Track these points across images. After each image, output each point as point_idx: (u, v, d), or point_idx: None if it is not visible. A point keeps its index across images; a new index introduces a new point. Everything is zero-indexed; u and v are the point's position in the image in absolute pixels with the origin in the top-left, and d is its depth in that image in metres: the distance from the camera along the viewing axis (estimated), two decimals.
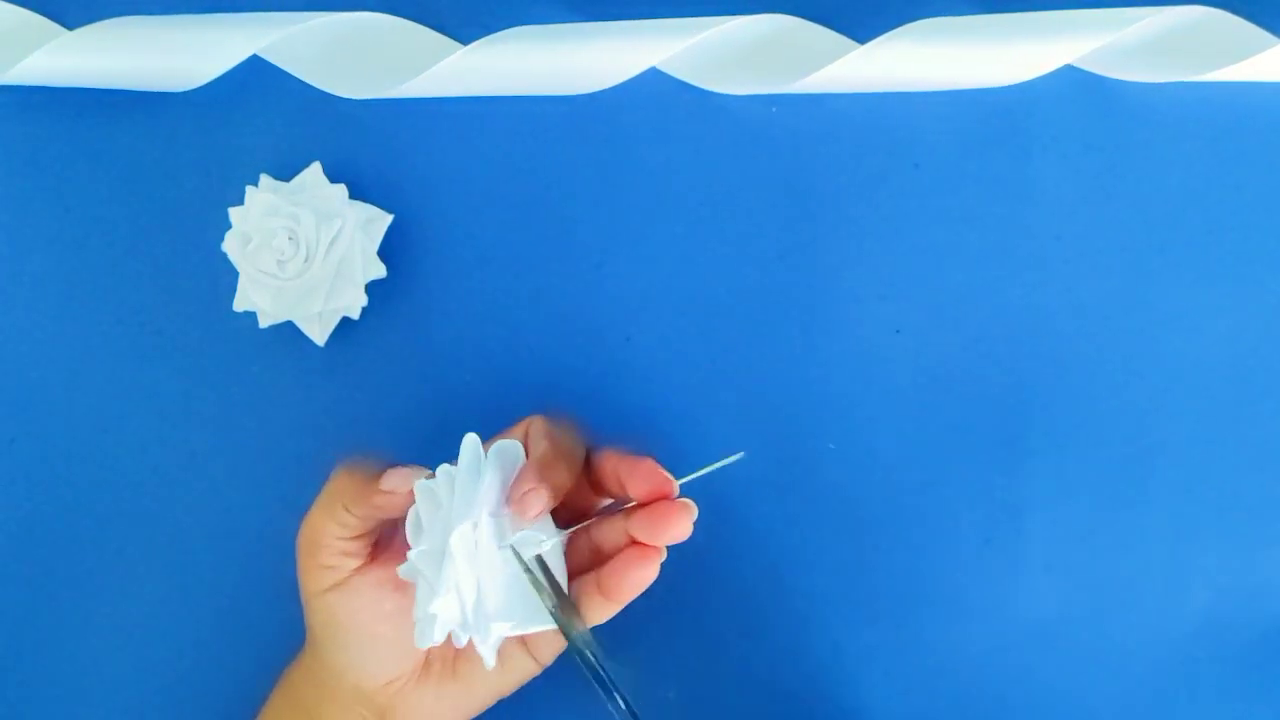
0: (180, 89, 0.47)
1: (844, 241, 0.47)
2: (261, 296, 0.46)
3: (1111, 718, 0.47)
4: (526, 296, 0.47)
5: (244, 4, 0.47)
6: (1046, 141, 0.47)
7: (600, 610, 0.40)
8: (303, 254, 0.45)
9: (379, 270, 0.46)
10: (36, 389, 0.48)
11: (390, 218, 0.47)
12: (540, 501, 0.38)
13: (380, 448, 0.47)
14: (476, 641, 0.38)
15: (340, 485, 0.40)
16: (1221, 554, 0.46)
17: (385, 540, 0.41)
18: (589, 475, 0.40)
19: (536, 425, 0.41)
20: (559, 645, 0.41)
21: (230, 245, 0.46)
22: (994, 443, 0.47)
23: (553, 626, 0.38)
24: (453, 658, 0.41)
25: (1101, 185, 0.47)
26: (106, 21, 0.46)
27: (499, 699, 0.42)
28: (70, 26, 0.47)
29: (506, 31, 0.46)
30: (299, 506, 0.47)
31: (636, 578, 0.39)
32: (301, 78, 0.47)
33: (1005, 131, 0.47)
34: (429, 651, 0.41)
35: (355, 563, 0.40)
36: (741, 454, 0.40)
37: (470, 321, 0.47)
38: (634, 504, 0.39)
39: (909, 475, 0.47)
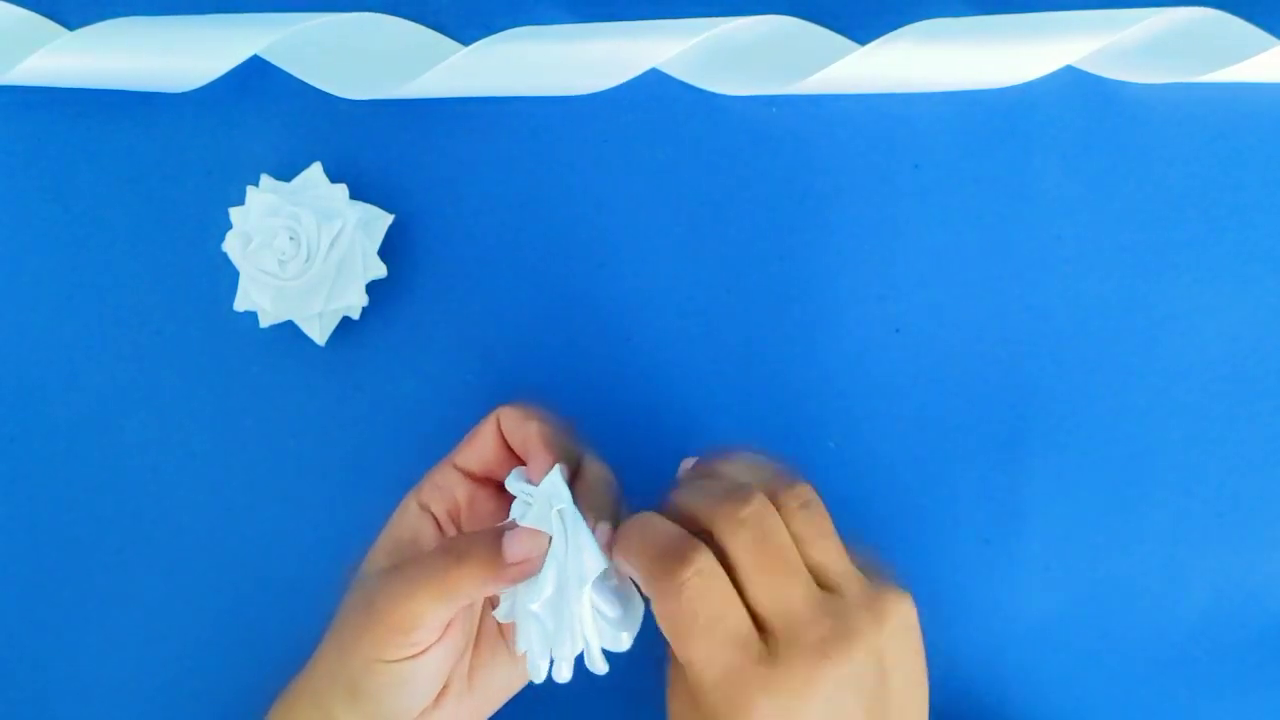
0: (180, 89, 0.47)
1: (844, 241, 0.47)
2: (262, 296, 0.46)
3: (1111, 718, 0.47)
4: (527, 296, 0.47)
5: (244, 4, 0.47)
6: (1046, 142, 0.47)
7: None
8: (303, 254, 0.45)
9: (379, 270, 0.46)
10: (36, 389, 0.48)
11: (390, 218, 0.47)
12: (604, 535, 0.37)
13: (380, 448, 0.47)
14: (596, 659, 0.37)
15: (460, 575, 0.37)
16: (1221, 554, 0.46)
17: None
18: None
19: (508, 414, 0.41)
20: None
21: (231, 245, 0.46)
22: (994, 442, 0.47)
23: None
24: (468, 672, 0.41)
25: (1101, 185, 0.47)
26: (107, 22, 0.46)
27: (507, 699, 0.42)
28: (71, 27, 0.47)
29: (507, 32, 0.46)
30: (299, 506, 0.47)
31: None
32: (302, 78, 0.47)
33: (1005, 132, 0.47)
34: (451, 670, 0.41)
35: (439, 635, 0.38)
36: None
37: (470, 321, 0.47)
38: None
39: (909, 475, 0.47)
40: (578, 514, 0.37)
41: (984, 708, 0.47)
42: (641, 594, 0.38)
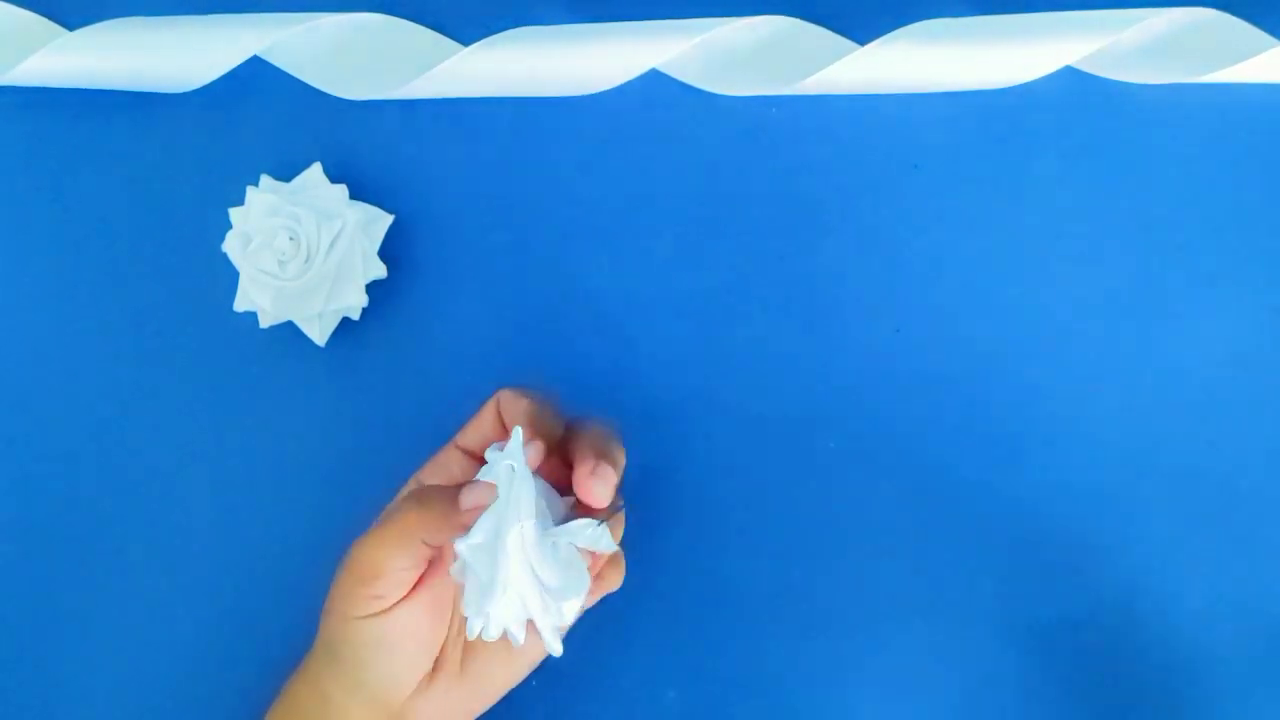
0: (181, 89, 0.47)
1: (844, 242, 0.47)
2: (262, 296, 0.46)
3: (1112, 718, 0.47)
4: (526, 297, 0.47)
5: (244, 4, 0.47)
6: (1046, 143, 0.47)
7: None
8: (303, 254, 0.45)
9: (379, 270, 0.46)
10: (36, 389, 0.48)
11: (390, 218, 0.47)
12: (535, 454, 0.38)
13: (380, 448, 0.47)
14: (547, 630, 0.37)
15: (417, 518, 0.38)
16: (1221, 554, 0.46)
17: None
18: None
19: (506, 394, 0.41)
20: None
21: (231, 245, 0.46)
22: (994, 443, 0.47)
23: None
24: (460, 658, 0.41)
25: (1101, 186, 0.47)
26: (107, 22, 0.46)
27: (503, 694, 0.42)
28: (71, 27, 0.47)
29: (507, 33, 0.46)
30: (299, 506, 0.47)
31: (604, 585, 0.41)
32: (302, 78, 0.47)
33: (1005, 132, 0.47)
34: (441, 653, 0.41)
35: (407, 589, 0.39)
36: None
37: (470, 321, 0.47)
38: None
39: (909, 475, 0.47)
40: (526, 471, 0.37)
41: (985, 708, 0.47)
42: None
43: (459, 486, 0.38)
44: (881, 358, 0.47)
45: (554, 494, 0.39)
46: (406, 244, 0.47)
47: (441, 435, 0.46)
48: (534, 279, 0.47)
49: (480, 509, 0.37)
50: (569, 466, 0.40)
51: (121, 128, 0.48)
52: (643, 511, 0.45)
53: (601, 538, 0.38)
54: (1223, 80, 0.46)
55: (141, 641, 0.48)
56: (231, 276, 0.46)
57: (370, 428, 0.47)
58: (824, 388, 0.47)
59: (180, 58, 0.46)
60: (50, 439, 0.48)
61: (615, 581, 0.41)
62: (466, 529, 0.37)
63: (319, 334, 0.46)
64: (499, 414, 0.41)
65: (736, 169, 0.47)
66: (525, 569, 0.37)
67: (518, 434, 0.37)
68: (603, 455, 0.38)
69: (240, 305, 0.46)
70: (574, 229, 0.47)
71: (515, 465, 0.37)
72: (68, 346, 0.48)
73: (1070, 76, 0.46)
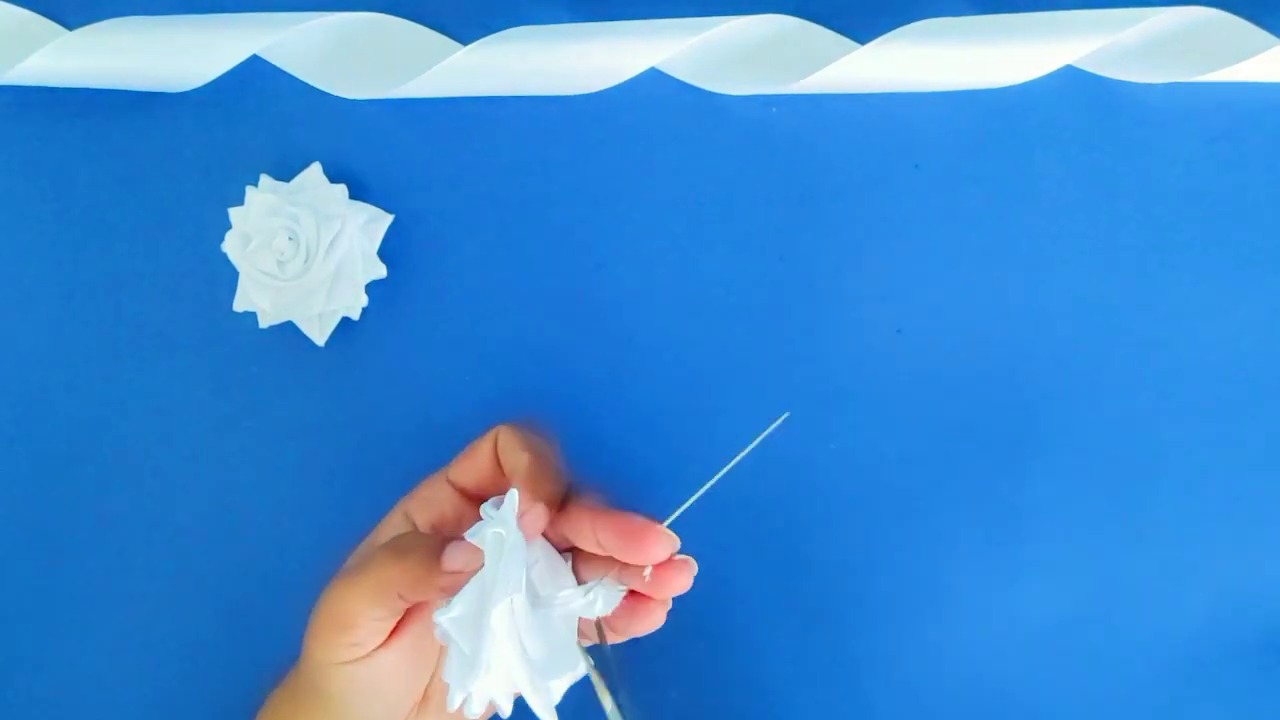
0: (180, 89, 0.47)
1: (844, 241, 0.47)
2: (261, 297, 0.46)
3: (1112, 718, 0.47)
4: (527, 297, 0.47)
5: (244, 4, 0.47)
6: (1047, 142, 0.47)
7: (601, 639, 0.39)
8: (303, 254, 0.45)
9: (379, 270, 0.46)
10: (36, 389, 0.48)
11: (390, 218, 0.47)
12: (539, 521, 0.36)
13: (380, 448, 0.47)
14: (538, 706, 0.35)
15: (394, 572, 0.36)
16: (1224, 554, 0.46)
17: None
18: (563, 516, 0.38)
19: (506, 436, 0.39)
20: None
21: (230, 245, 0.46)
22: (995, 443, 0.47)
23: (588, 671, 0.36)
24: (445, 697, 0.41)
25: (1101, 185, 0.47)
26: (107, 22, 0.46)
27: None
28: (70, 27, 0.47)
29: (507, 31, 0.46)
30: (299, 506, 0.47)
31: (645, 626, 0.38)
32: (301, 78, 0.47)
33: (1005, 132, 0.47)
34: (429, 684, 0.40)
35: (384, 637, 0.37)
36: (787, 414, 0.38)
37: (470, 321, 0.47)
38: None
39: (910, 475, 0.47)
40: (520, 541, 0.35)
41: (986, 709, 0.47)
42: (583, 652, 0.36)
43: (442, 540, 0.36)
44: (882, 358, 0.47)
45: (551, 552, 0.37)
46: (406, 244, 0.47)
47: (440, 435, 0.46)
48: (534, 278, 0.47)
49: (462, 575, 0.35)
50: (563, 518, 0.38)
51: (121, 128, 0.48)
52: (642, 512, 0.45)
53: (595, 603, 0.36)
54: (1223, 79, 0.46)
55: (141, 641, 0.48)
56: (231, 276, 0.46)
57: (370, 428, 0.47)
58: (824, 388, 0.47)
59: (180, 57, 0.46)
60: (50, 439, 0.48)
61: (651, 623, 0.39)
62: (446, 591, 0.35)
63: (319, 334, 0.46)
64: (494, 453, 0.40)
65: (736, 168, 0.47)
66: (513, 645, 0.35)
67: (512, 498, 0.36)
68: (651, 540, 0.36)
69: (240, 305, 0.46)
70: (574, 228, 0.47)
71: (504, 532, 0.35)
72: (68, 346, 0.48)
73: (1070, 75, 0.46)
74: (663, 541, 0.36)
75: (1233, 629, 0.46)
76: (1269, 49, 0.45)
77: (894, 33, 0.45)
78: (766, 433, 0.38)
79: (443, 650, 0.40)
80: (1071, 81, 0.47)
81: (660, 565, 0.37)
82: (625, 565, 0.37)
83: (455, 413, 0.47)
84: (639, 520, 0.36)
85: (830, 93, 0.47)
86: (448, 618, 0.35)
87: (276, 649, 0.44)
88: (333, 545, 0.47)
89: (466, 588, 0.35)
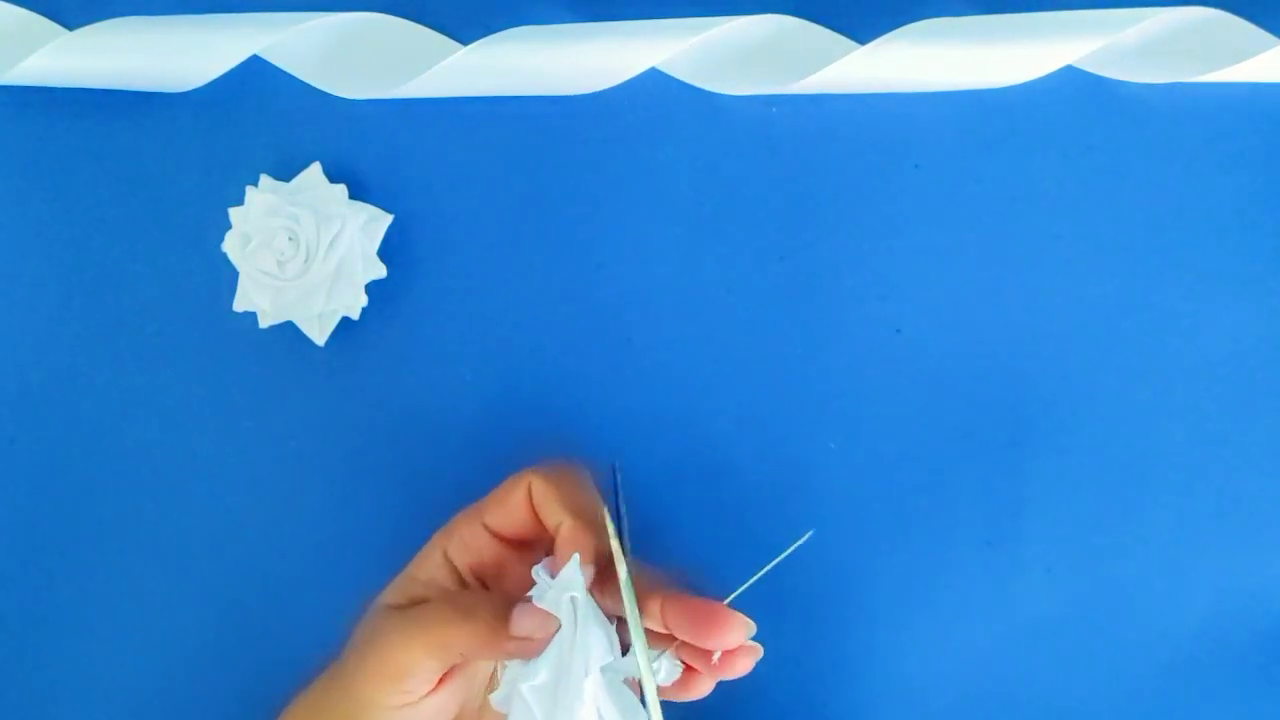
0: (180, 89, 0.47)
1: (844, 241, 0.47)
2: (261, 297, 0.46)
3: (1113, 719, 0.47)
4: (526, 297, 0.47)
5: (244, 4, 0.47)
6: (1047, 142, 0.47)
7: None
8: (303, 254, 0.45)
9: (379, 270, 0.46)
10: (36, 389, 0.48)
11: (390, 218, 0.47)
12: (589, 579, 0.36)
13: (380, 448, 0.47)
14: None
15: (460, 632, 0.36)
16: (1223, 555, 0.46)
17: None
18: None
19: (540, 489, 0.39)
20: None
21: (230, 245, 0.46)
22: (995, 443, 0.47)
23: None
24: (475, 714, 0.41)
25: (1101, 185, 0.47)
26: (107, 22, 0.46)
27: None
28: (71, 27, 0.47)
29: (507, 32, 0.46)
30: (299, 507, 0.47)
31: (694, 694, 0.38)
32: (302, 78, 0.47)
33: (1005, 132, 0.47)
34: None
35: (432, 686, 0.38)
36: (810, 533, 0.38)
37: (470, 321, 0.47)
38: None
39: (910, 475, 0.47)
40: (592, 603, 0.35)
41: (985, 709, 0.47)
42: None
43: (507, 602, 0.36)
44: (882, 358, 0.47)
45: (605, 619, 0.37)
46: (406, 244, 0.47)
47: (441, 436, 0.46)
48: (534, 278, 0.47)
49: (532, 640, 0.35)
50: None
51: (121, 128, 0.48)
52: (643, 512, 0.45)
53: (659, 673, 0.36)
54: (1223, 80, 0.46)
55: (142, 641, 0.48)
56: (231, 276, 0.46)
57: (370, 428, 0.47)
58: (824, 388, 0.47)
59: (180, 57, 0.46)
60: (50, 439, 0.48)
61: (700, 693, 0.39)
62: (511, 655, 0.36)
63: (319, 334, 0.46)
64: (529, 503, 0.39)
65: (737, 168, 0.47)
66: (594, 714, 0.35)
67: (575, 563, 0.35)
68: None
69: (240, 305, 0.46)
70: (574, 228, 0.47)
71: (578, 597, 0.35)
72: (67, 346, 0.48)
73: (1071, 75, 0.46)
74: (739, 629, 0.37)
75: (1233, 629, 0.46)
76: (1269, 49, 0.45)
77: (894, 33, 0.45)
78: (794, 546, 0.38)
79: (472, 694, 0.40)
80: (1071, 81, 0.46)
81: (729, 650, 0.37)
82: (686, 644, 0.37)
83: (455, 413, 0.47)
84: (713, 606, 0.37)
85: (831, 93, 0.47)
86: (531, 685, 0.35)
87: (277, 649, 0.44)
88: (333, 545, 0.47)
89: (547, 653, 0.35)
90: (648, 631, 0.37)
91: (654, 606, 0.37)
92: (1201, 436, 0.46)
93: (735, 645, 0.37)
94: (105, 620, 0.48)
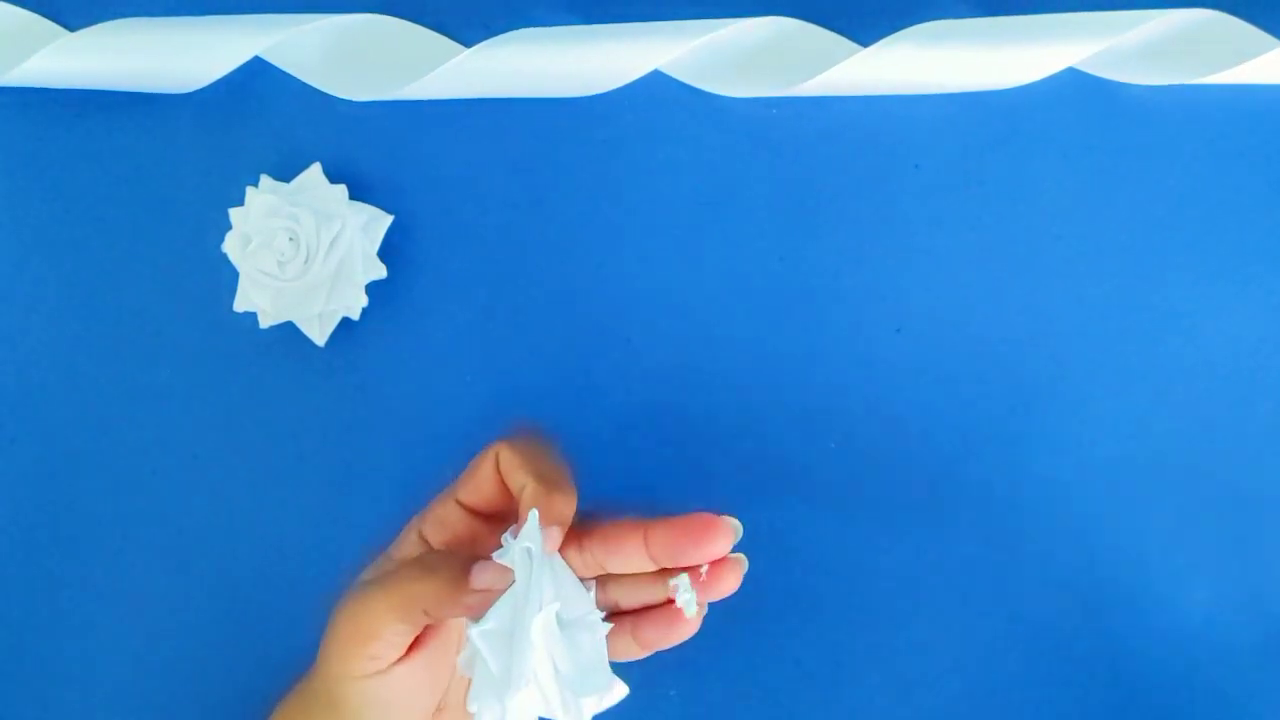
0: (181, 90, 0.47)
1: (845, 242, 0.47)
2: (262, 297, 0.46)
3: (1112, 718, 0.47)
4: (526, 297, 0.47)
5: (245, 5, 0.47)
6: (1048, 144, 0.47)
7: (629, 653, 0.39)
8: (303, 255, 0.45)
9: (379, 271, 0.46)
10: (36, 389, 0.48)
11: (390, 218, 0.47)
12: (555, 541, 0.36)
13: (380, 448, 0.47)
14: None
15: (421, 588, 0.36)
16: (1223, 555, 0.46)
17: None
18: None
19: (506, 456, 0.39)
20: None
21: (230, 246, 0.46)
22: (994, 442, 0.47)
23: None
24: (463, 702, 0.41)
25: (1102, 187, 0.47)
26: (108, 23, 0.46)
27: None
28: (72, 28, 0.47)
29: (509, 34, 0.46)
30: (299, 507, 0.47)
31: (679, 636, 0.39)
32: (302, 79, 0.47)
33: (1006, 133, 0.47)
34: (444, 698, 0.40)
35: (403, 651, 0.38)
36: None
37: (470, 321, 0.47)
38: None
39: (909, 475, 0.47)
40: (550, 557, 0.35)
41: (985, 709, 0.47)
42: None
43: (469, 559, 0.36)
44: (882, 357, 0.47)
45: (574, 580, 0.37)
46: (406, 244, 0.47)
47: (441, 436, 0.46)
48: (534, 279, 0.47)
49: (490, 593, 0.35)
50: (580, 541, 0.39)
51: (121, 128, 0.48)
52: (643, 512, 0.45)
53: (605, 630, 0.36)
54: (1224, 81, 0.46)
55: (142, 640, 0.48)
56: (231, 277, 0.46)
57: (370, 428, 0.47)
58: (824, 388, 0.47)
59: (181, 58, 0.46)
60: (50, 439, 0.48)
61: (685, 633, 0.39)
62: (472, 609, 0.35)
63: (319, 334, 0.46)
64: (498, 472, 0.40)
65: (738, 170, 0.47)
66: (547, 661, 0.35)
67: (533, 518, 0.36)
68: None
69: (240, 305, 0.46)
70: (574, 229, 0.47)
71: (533, 548, 0.35)
72: (67, 346, 0.48)
73: (1072, 77, 0.46)
74: (727, 532, 0.37)
75: (1232, 629, 0.47)
76: (1269, 51, 0.45)
77: (896, 35, 0.45)
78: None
79: (454, 672, 0.40)
80: (1073, 83, 0.47)
81: (714, 563, 0.37)
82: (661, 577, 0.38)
83: (455, 412, 0.47)
84: (696, 515, 0.37)
85: (832, 95, 0.47)
86: (480, 630, 0.35)
87: (277, 649, 0.44)
88: (333, 545, 0.47)
89: (499, 603, 0.35)
90: (631, 576, 0.38)
91: (635, 541, 0.37)
92: (1201, 436, 0.47)
93: (725, 552, 0.37)
94: (105, 619, 0.48)
